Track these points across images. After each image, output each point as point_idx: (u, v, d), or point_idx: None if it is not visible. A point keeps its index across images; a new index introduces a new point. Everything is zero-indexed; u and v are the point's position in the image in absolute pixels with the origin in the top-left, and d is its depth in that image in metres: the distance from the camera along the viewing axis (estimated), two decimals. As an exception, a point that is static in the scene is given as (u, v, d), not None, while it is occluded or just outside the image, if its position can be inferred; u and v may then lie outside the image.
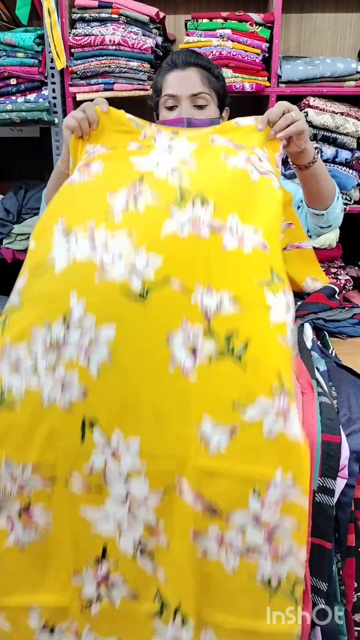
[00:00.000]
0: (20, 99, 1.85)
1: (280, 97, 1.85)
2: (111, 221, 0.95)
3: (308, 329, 1.28)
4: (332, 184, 1.30)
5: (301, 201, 1.40)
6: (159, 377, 0.87)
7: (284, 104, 1.09)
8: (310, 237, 1.41)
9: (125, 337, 0.88)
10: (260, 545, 0.85)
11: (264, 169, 1.02)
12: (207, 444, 0.85)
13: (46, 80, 1.84)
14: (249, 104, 2.05)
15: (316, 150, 1.21)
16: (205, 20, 1.81)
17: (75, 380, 0.87)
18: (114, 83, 1.81)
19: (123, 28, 1.78)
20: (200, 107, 1.31)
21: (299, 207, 1.43)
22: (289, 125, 1.06)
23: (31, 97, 1.85)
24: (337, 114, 1.81)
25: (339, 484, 0.91)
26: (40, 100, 1.84)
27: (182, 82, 1.30)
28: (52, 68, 1.82)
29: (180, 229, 0.93)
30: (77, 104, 1.89)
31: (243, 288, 0.91)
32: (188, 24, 1.83)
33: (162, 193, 0.97)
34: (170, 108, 1.32)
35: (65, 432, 0.87)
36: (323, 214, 1.34)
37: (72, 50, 1.81)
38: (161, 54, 1.87)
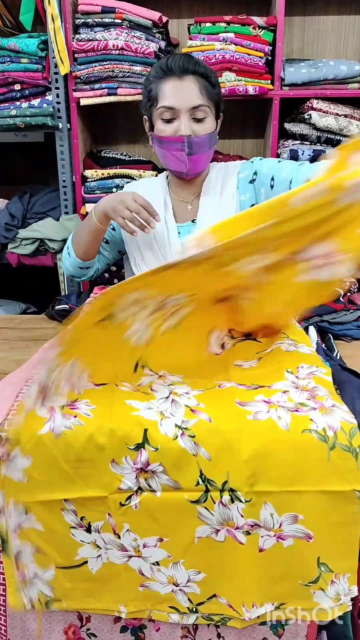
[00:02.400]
0: (25, 104, 1.86)
1: (283, 100, 1.86)
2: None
3: (312, 332, 1.28)
4: None
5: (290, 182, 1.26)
6: (199, 356, 1.10)
7: None
8: None
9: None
10: (306, 401, 0.92)
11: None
12: (241, 366, 1.06)
13: (50, 86, 1.85)
14: (253, 107, 2.06)
15: None
16: (208, 24, 1.81)
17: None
18: (117, 87, 1.82)
19: (126, 33, 1.79)
20: (199, 120, 1.30)
21: (290, 182, 1.26)
22: None
23: (35, 102, 1.86)
24: (340, 116, 1.81)
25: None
26: (45, 105, 1.85)
27: (180, 94, 1.28)
28: (56, 73, 1.83)
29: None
30: (81, 108, 1.90)
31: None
32: (191, 27, 1.84)
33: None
34: (168, 121, 1.31)
35: (120, 365, 1.00)
36: None
37: (76, 55, 1.82)
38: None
